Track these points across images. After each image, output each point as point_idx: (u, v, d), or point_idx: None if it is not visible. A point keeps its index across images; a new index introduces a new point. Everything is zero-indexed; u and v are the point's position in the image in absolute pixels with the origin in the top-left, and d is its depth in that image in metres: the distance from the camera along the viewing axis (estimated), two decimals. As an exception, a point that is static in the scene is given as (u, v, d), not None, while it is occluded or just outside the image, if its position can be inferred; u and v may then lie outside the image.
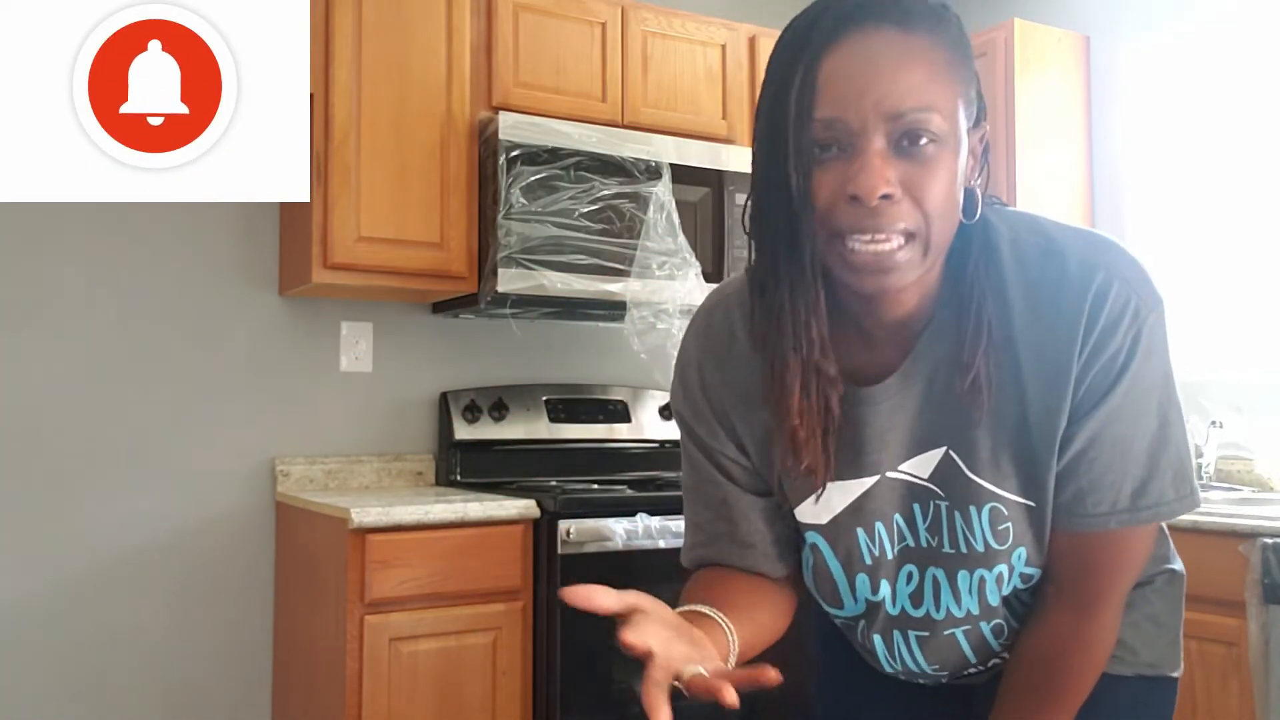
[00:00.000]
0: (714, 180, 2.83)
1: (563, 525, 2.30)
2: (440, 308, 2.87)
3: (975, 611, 1.01)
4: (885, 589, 1.03)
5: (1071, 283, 0.91)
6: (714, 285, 2.75)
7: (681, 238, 2.73)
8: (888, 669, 1.11)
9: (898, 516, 1.00)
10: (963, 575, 1.00)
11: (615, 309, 2.72)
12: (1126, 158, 3.17)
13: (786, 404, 0.92)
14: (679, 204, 2.75)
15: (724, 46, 3.01)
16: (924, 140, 0.84)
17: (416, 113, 2.56)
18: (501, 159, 2.54)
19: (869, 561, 1.02)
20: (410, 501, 2.29)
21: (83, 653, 2.47)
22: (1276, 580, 2.01)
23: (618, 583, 0.84)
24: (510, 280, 2.53)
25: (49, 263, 2.49)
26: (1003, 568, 0.98)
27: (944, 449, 0.96)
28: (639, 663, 0.84)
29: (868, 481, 0.99)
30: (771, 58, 0.90)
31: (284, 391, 2.72)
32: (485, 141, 2.62)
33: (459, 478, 2.81)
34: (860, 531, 1.01)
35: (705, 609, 0.96)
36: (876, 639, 1.08)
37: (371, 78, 2.51)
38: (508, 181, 2.54)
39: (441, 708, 2.24)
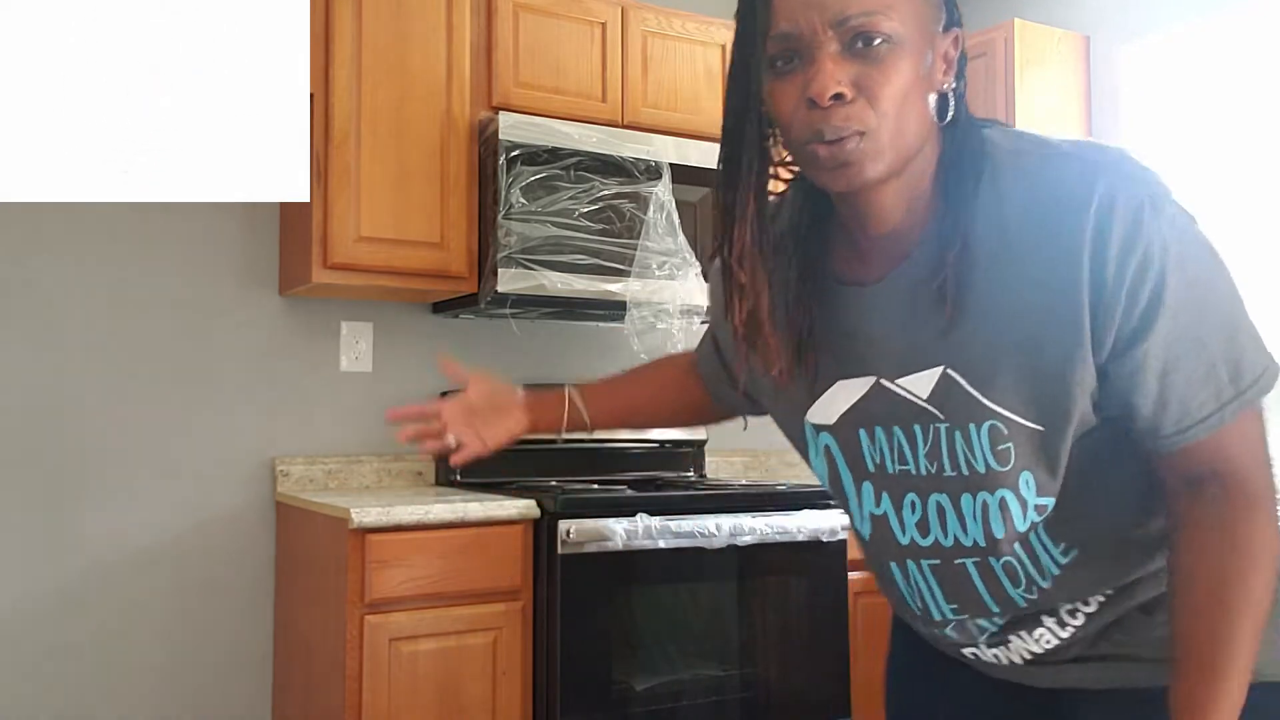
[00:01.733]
0: (714, 180, 2.82)
1: (563, 525, 2.30)
2: (440, 308, 2.87)
3: (982, 542, 1.00)
4: (887, 505, 1.04)
5: (1074, 188, 0.89)
6: (714, 285, 2.78)
7: (681, 238, 2.73)
8: (915, 610, 1.09)
9: (898, 430, 1.00)
10: (966, 500, 0.99)
11: (615, 309, 2.72)
12: (1126, 158, 3.16)
13: (730, 311, 0.98)
14: (679, 204, 2.75)
15: (724, 46, 3.01)
16: (877, 40, 0.87)
17: (416, 113, 2.56)
18: (501, 159, 2.54)
19: (871, 468, 1.04)
20: (410, 501, 2.29)
21: (83, 652, 2.47)
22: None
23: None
24: (510, 280, 2.53)
25: (49, 263, 2.49)
26: (1006, 493, 0.96)
27: (942, 367, 0.95)
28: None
29: (866, 382, 1.00)
30: None
31: (284, 391, 2.72)
32: (485, 141, 2.62)
33: (459, 478, 2.81)
34: (862, 433, 1.03)
35: (568, 387, 1.32)
36: (895, 571, 1.08)
37: (371, 78, 2.51)
38: (508, 181, 2.54)
39: (441, 708, 2.24)
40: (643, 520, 2.35)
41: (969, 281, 0.92)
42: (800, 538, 2.56)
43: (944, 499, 1.00)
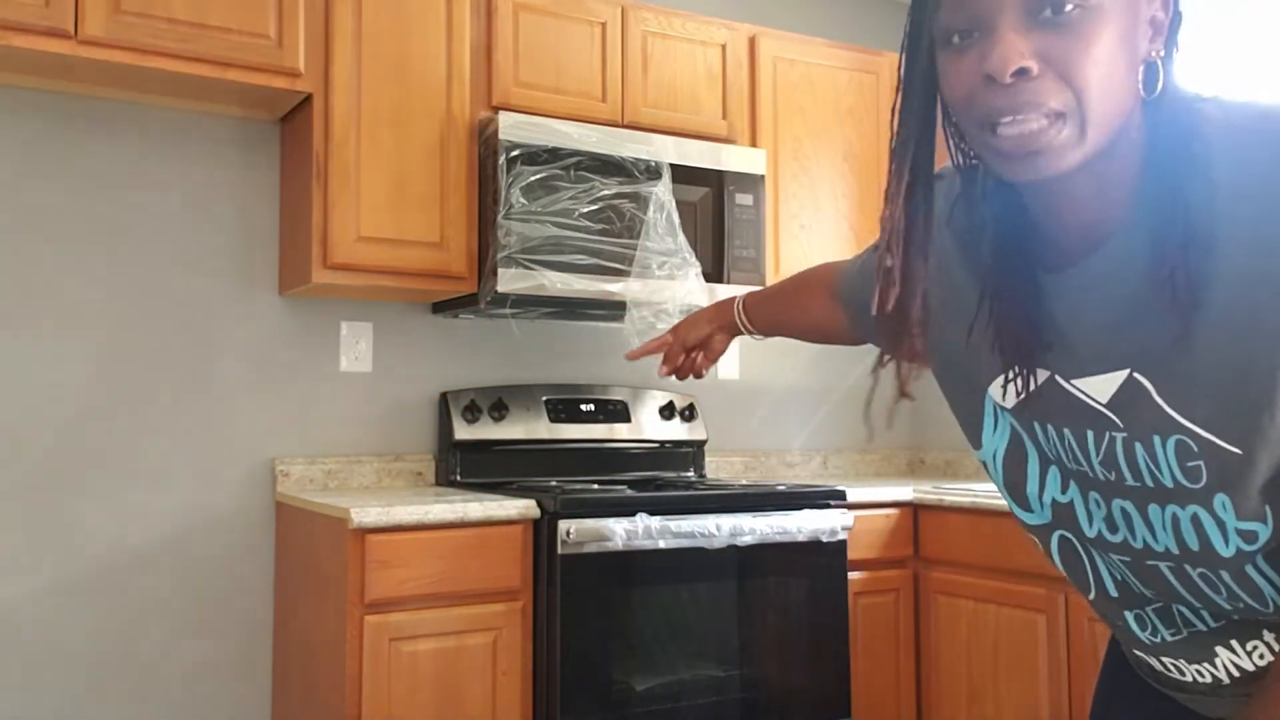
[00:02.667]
0: (714, 180, 2.83)
1: (563, 525, 2.30)
2: (440, 308, 2.87)
3: (1175, 551, 0.88)
4: (1074, 493, 0.93)
5: None
6: (714, 285, 2.78)
7: (681, 238, 2.73)
8: (1109, 586, 0.97)
9: (1068, 431, 0.90)
10: (1154, 510, 0.87)
11: (615, 309, 2.72)
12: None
13: (878, 301, 0.90)
14: (679, 204, 2.75)
15: (724, 46, 3.01)
16: (1069, 7, 0.75)
17: (416, 113, 2.56)
18: (501, 159, 2.54)
19: (1052, 457, 0.93)
20: (410, 501, 2.29)
21: (82, 652, 2.47)
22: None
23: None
24: (510, 280, 2.53)
25: (48, 263, 2.49)
26: (1198, 510, 0.84)
27: (1128, 371, 0.83)
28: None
29: (1041, 375, 0.90)
30: None
31: (284, 391, 2.72)
32: (485, 141, 2.62)
33: (459, 478, 2.81)
34: (1036, 425, 0.93)
35: (737, 299, 1.43)
36: (1085, 555, 0.96)
37: (371, 78, 2.51)
38: (508, 181, 2.54)
39: (441, 708, 2.24)
40: (643, 520, 2.35)
41: (1201, 276, 0.78)
42: (800, 538, 2.56)
43: (1128, 505, 0.89)
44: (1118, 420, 0.86)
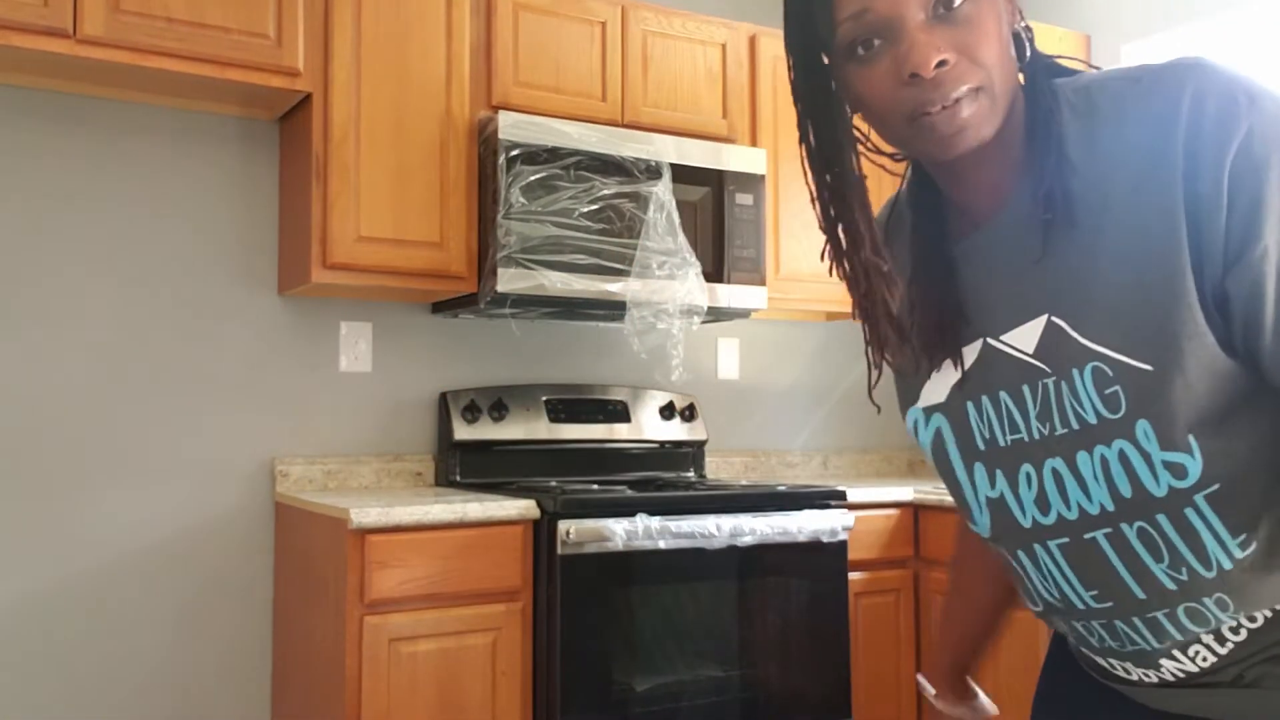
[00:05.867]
0: (714, 180, 2.82)
1: (562, 526, 2.30)
2: (440, 308, 2.87)
3: (1110, 506, 0.89)
4: (1002, 484, 0.96)
5: (1163, 98, 0.83)
6: (714, 285, 2.78)
7: (681, 237, 2.73)
8: (1050, 598, 0.99)
9: (1004, 395, 0.93)
10: (1083, 459, 0.89)
11: (615, 309, 2.72)
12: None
13: (858, 304, 0.96)
14: (679, 204, 2.74)
15: (724, 46, 3.00)
16: (958, 2, 0.84)
17: (416, 112, 2.56)
18: (501, 158, 2.54)
19: (981, 445, 0.97)
20: (410, 502, 2.29)
21: (82, 653, 2.46)
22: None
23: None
24: (510, 280, 2.52)
25: (48, 263, 2.48)
26: (1123, 444, 0.86)
27: (1045, 316, 0.89)
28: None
29: (975, 347, 0.95)
30: None
31: (283, 391, 2.72)
32: (485, 141, 2.62)
33: (459, 478, 2.80)
34: (970, 407, 0.97)
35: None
36: (1025, 561, 0.98)
37: (371, 78, 2.51)
38: (507, 181, 2.54)
39: (441, 708, 2.23)
40: (643, 520, 2.35)
41: (1068, 217, 0.86)
42: (800, 538, 2.55)
43: (1059, 464, 0.91)
44: (1045, 366, 0.90)
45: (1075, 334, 0.87)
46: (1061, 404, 0.89)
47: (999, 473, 0.96)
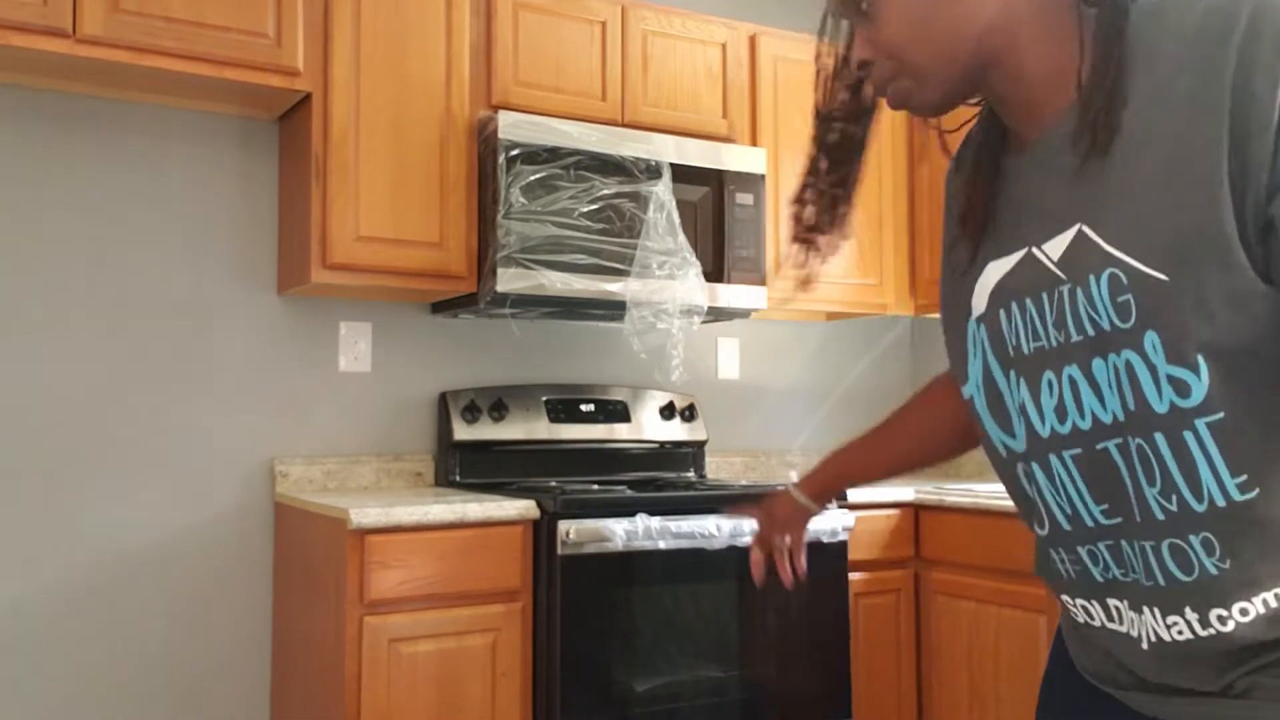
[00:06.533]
0: (714, 179, 2.82)
1: (562, 526, 2.30)
2: (440, 308, 2.86)
3: (1120, 415, 0.89)
4: (1023, 392, 0.98)
5: (1225, 11, 0.82)
6: (714, 285, 2.78)
7: (681, 237, 2.72)
8: (1062, 520, 0.99)
9: (1029, 302, 0.96)
10: (1098, 366, 0.90)
11: (615, 309, 2.72)
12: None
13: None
14: (679, 203, 2.74)
15: (724, 45, 3.00)
16: (864, 4, 0.95)
17: (416, 112, 2.55)
18: (501, 158, 2.54)
19: (1011, 353, 0.99)
20: (410, 502, 2.28)
21: (82, 653, 2.46)
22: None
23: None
24: (510, 280, 2.52)
25: (48, 263, 2.48)
26: (1131, 355, 0.86)
27: (1077, 226, 0.90)
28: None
29: (1017, 255, 0.97)
30: None
31: (283, 391, 2.72)
32: (485, 141, 2.62)
33: (458, 478, 2.80)
34: (1001, 313, 0.99)
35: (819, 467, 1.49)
36: (1040, 477, 0.99)
37: (371, 77, 2.51)
38: (507, 181, 2.53)
39: (441, 709, 2.23)
40: (643, 520, 2.34)
41: (1113, 122, 0.87)
42: (801, 538, 2.55)
43: (1075, 371, 0.92)
44: (1063, 274, 0.92)
45: (1099, 239, 0.88)
46: (1076, 311, 0.90)
47: (1024, 381, 0.98)
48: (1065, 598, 1.03)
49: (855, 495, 2.73)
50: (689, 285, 2.72)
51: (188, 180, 2.64)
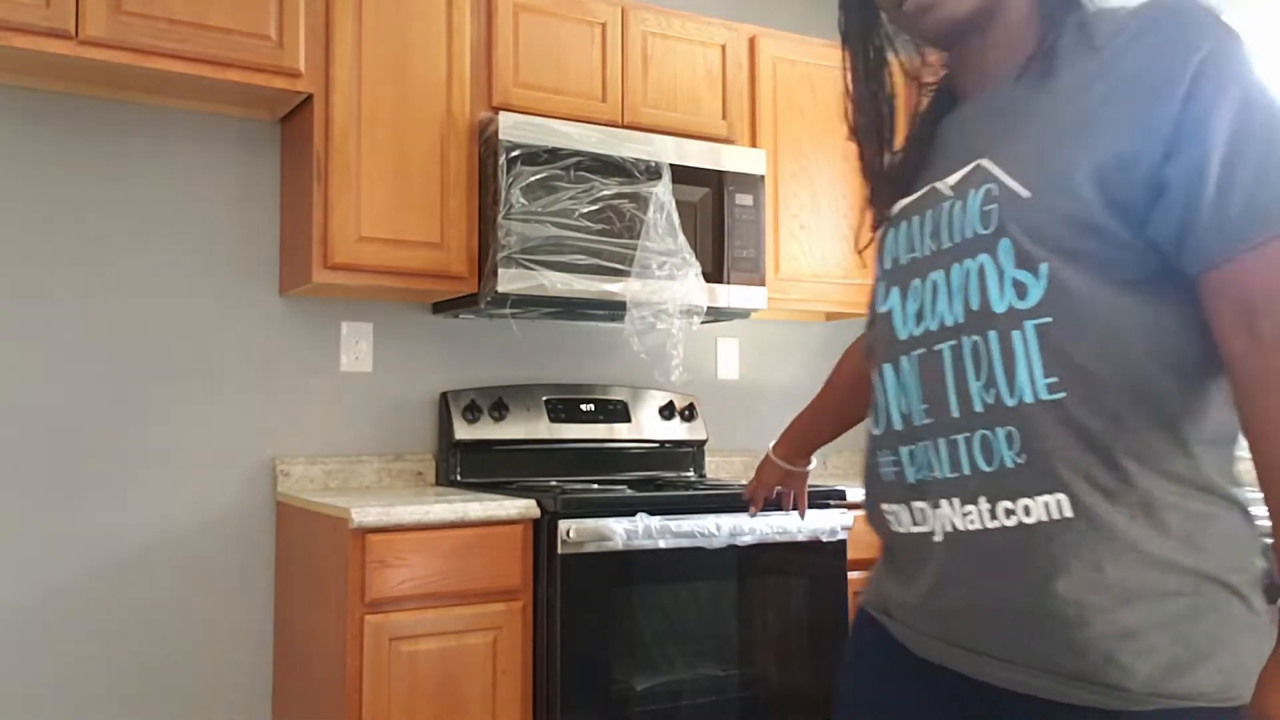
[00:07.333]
0: (714, 180, 2.83)
1: (563, 525, 2.30)
2: (440, 308, 2.87)
3: (961, 318, 1.00)
4: (894, 300, 1.09)
5: (1153, 11, 0.97)
6: (714, 286, 2.79)
7: (681, 238, 2.73)
8: (896, 419, 1.08)
9: (915, 219, 1.09)
10: (955, 270, 1.01)
11: (615, 309, 2.73)
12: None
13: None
14: (679, 204, 2.75)
15: (724, 46, 3.01)
16: None
17: (416, 113, 2.56)
18: (501, 159, 2.55)
19: (889, 266, 1.12)
20: (410, 501, 2.29)
21: (82, 652, 2.47)
22: (1276, 581, 2.00)
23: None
24: (510, 280, 2.53)
25: (50, 264, 2.49)
26: (985, 259, 0.98)
27: (976, 160, 1.03)
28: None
29: (922, 190, 1.10)
30: None
31: (284, 391, 2.73)
32: (485, 141, 2.62)
33: (459, 478, 2.81)
34: (890, 233, 1.13)
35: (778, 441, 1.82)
36: (889, 376, 1.09)
37: (371, 78, 2.52)
38: (508, 181, 2.54)
39: (441, 708, 2.24)
40: (643, 520, 2.35)
41: (1044, 78, 1.01)
42: (800, 538, 2.56)
43: (939, 276, 1.03)
44: (952, 194, 1.05)
45: (990, 164, 1.01)
46: (951, 221, 1.03)
47: (895, 289, 1.10)
48: (884, 506, 1.11)
49: (855, 495, 2.74)
50: (689, 285, 2.73)
51: (189, 181, 2.65)
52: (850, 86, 1.19)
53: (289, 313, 2.75)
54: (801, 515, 1.92)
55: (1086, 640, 0.92)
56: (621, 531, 2.33)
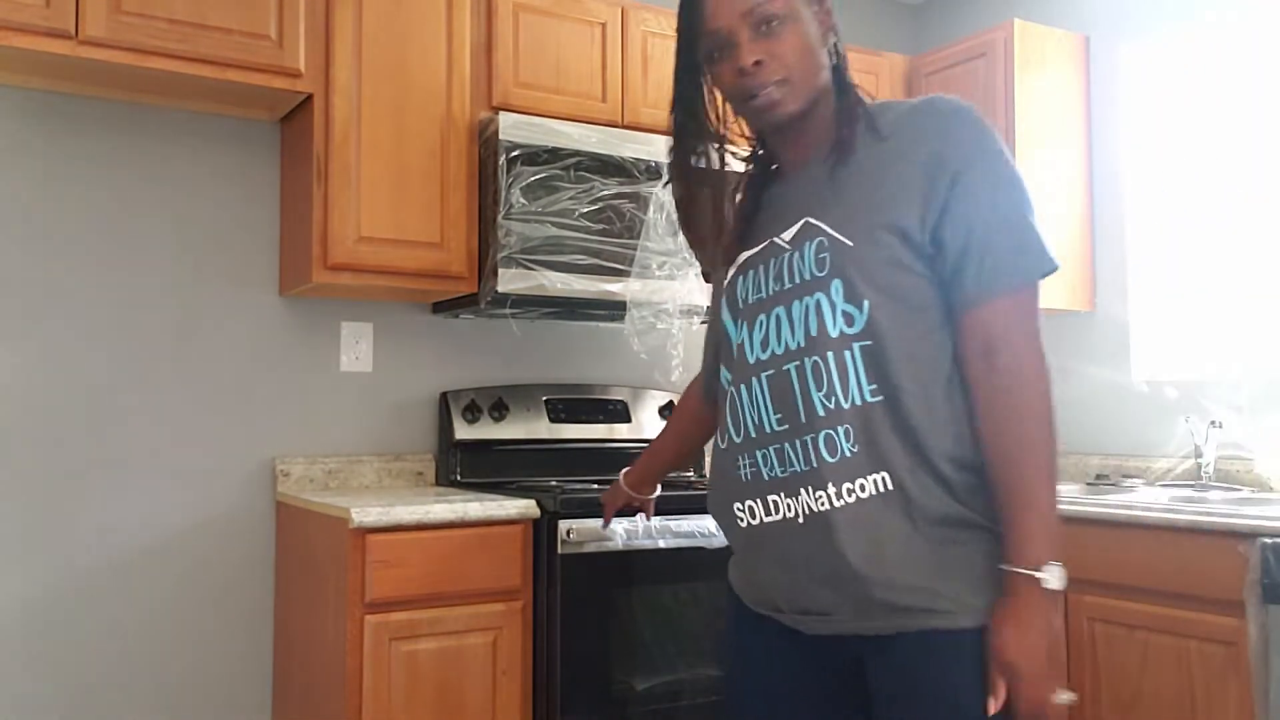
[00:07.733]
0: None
1: (563, 525, 2.30)
2: (440, 308, 2.87)
3: (803, 343, 1.27)
4: (744, 333, 1.35)
5: (928, 106, 1.31)
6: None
7: (681, 238, 2.73)
8: (751, 429, 1.32)
9: (761, 268, 1.35)
10: (796, 306, 1.29)
11: (615, 309, 2.73)
12: (1126, 158, 3.17)
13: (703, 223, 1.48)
14: (679, 204, 2.74)
15: (724, 47, 3.01)
16: (773, 22, 1.29)
17: (416, 113, 2.56)
18: (501, 159, 2.55)
19: (740, 305, 1.37)
20: (410, 501, 2.29)
21: (83, 652, 2.47)
22: (1276, 580, 2.01)
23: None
24: (510, 280, 2.53)
25: (50, 263, 2.49)
26: (821, 296, 1.26)
27: (804, 218, 1.32)
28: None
29: (762, 244, 1.36)
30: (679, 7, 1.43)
31: (284, 391, 2.73)
32: (485, 141, 2.62)
33: (459, 478, 2.81)
34: (739, 279, 1.38)
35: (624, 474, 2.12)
36: (744, 394, 1.34)
37: (371, 78, 2.52)
38: (508, 181, 2.54)
39: (441, 708, 2.24)
40: (643, 520, 2.35)
41: (846, 160, 1.31)
42: (800, 538, 2.56)
43: (781, 311, 1.30)
44: (789, 247, 1.33)
45: (817, 222, 1.30)
46: (790, 268, 1.30)
47: (744, 324, 1.36)
48: (737, 505, 1.34)
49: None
50: (689, 285, 2.73)
51: (189, 181, 2.65)
52: (679, 174, 1.47)
53: (289, 313, 2.75)
54: (648, 519, 2.27)
55: (907, 580, 1.22)
56: (621, 531, 2.33)
